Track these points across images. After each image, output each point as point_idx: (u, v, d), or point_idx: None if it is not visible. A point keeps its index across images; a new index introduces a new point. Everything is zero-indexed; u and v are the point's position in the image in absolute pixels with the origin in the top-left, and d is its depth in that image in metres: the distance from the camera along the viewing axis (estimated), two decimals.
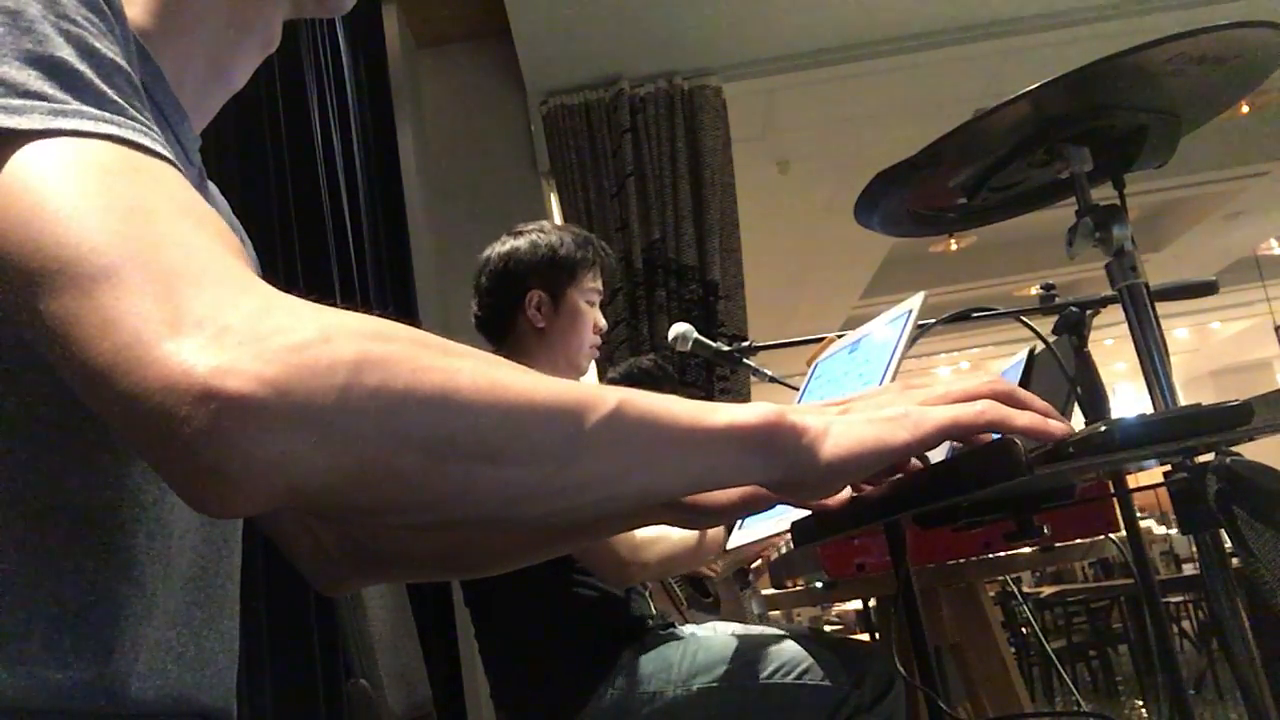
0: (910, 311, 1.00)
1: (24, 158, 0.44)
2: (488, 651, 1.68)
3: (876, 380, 0.96)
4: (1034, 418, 0.57)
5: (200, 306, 0.41)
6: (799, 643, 1.52)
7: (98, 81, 0.48)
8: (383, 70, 3.44)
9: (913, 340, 0.98)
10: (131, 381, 0.39)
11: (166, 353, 0.39)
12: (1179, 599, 6.39)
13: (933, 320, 1.27)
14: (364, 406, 0.41)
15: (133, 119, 0.48)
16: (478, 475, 0.44)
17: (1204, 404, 0.58)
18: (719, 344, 1.88)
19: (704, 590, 2.62)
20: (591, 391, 0.49)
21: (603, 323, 1.80)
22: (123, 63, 0.50)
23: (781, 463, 0.54)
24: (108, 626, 0.52)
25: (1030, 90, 0.82)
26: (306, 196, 2.75)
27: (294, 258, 2.65)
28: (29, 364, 0.50)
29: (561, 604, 1.61)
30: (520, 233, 1.79)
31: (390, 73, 3.47)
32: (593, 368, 2.12)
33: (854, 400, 0.60)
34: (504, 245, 1.78)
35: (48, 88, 0.46)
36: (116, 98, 0.48)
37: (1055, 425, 0.56)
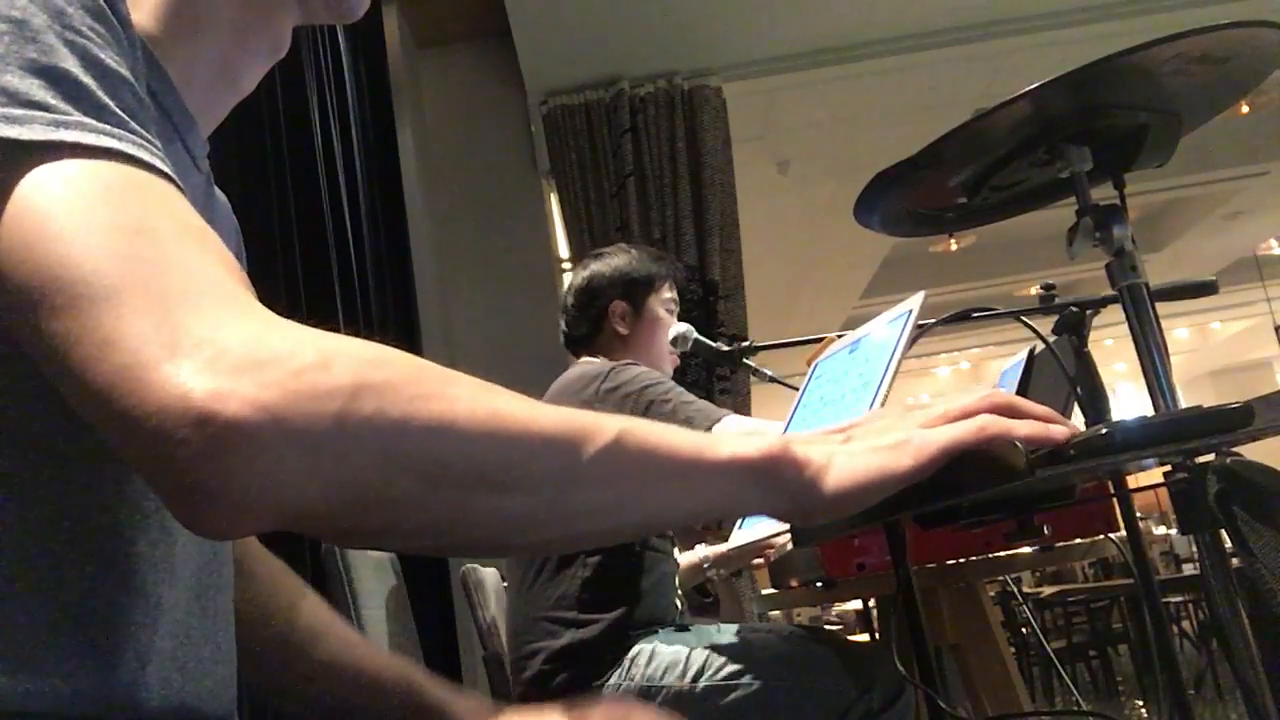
0: (910, 311, 1.00)
1: (28, 175, 0.44)
2: (516, 621, 1.71)
3: (876, 380, 0.96)
4: (1035, 426, 0.57)
5: (200, 329, 0.41)
6: (808, 645, 1.52)
7: (100, 93, 0.47)
8: (383, 70, 3.44)
9: (913, 340, 0.98)
10: (130, 403, 0.40)
11: (165, 375, 0.39)
12: (1179, 599, 6.39)
13: (933, 320, 1.27)
14: (359, 433, 0.41)
15: (134, 132, 0.48)
16: (473, 502, 0.45)
17: (1205, 405, 0.58)
18: (719, 344, 1.88)
19: (704, 590, 2.62)
20: (592, 421, 0.49)
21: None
22: (127, 74, 0.50)
23: (785, 495, 0.54)
24: (111, 634, 0.52)
25: (1030, 90, 0.82)
26: (306, 197, 2.75)
27: (294, 258, 2.65)
28: (30, 375, 0.50)
29: (604, 578, 1.63)
30: (599, 255, 1.96)
31: (390, 73, 3.47)
32: None
33: (855, 427, 0.60)
34: (585, 269, 1.94)
35: (50, 98, 0.46)
36: (119, 110, 0.48)
37: (1057, 430, 0.57)
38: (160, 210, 0.45)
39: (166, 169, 0.48)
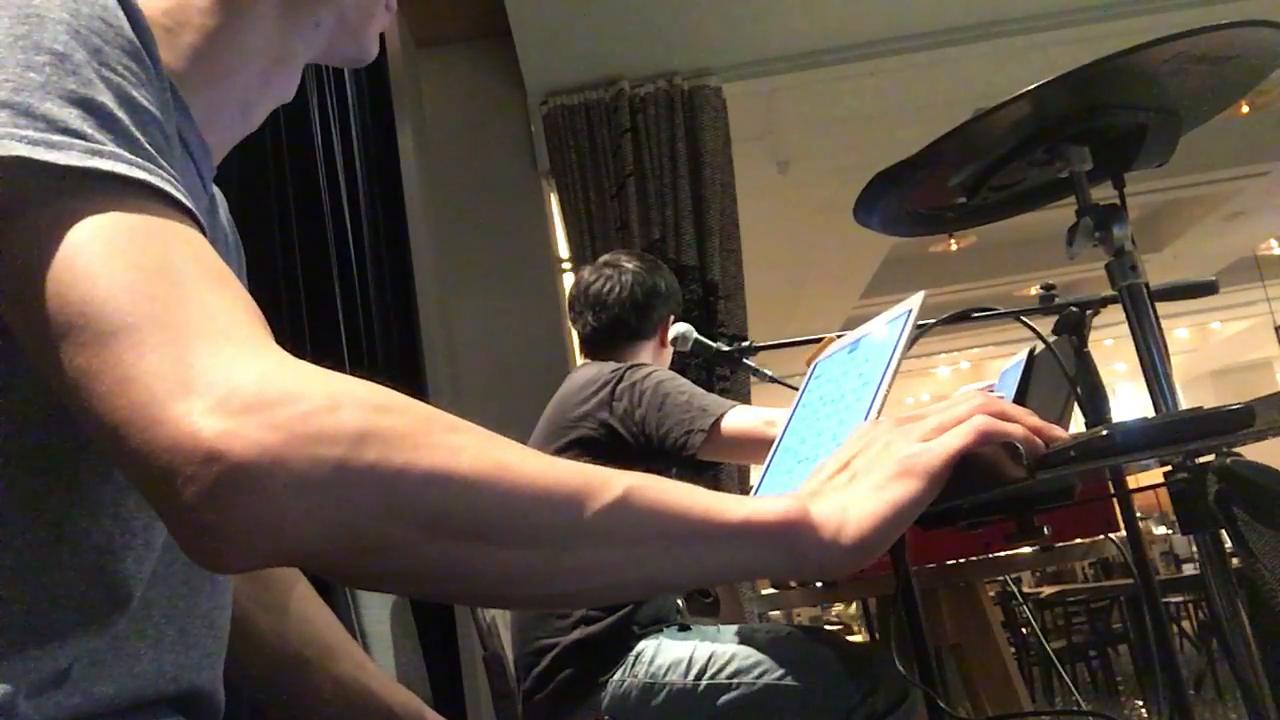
0: (910, 311, 1.00)
1: (60, 208, 0.45)
2: (524, 616, 1.72)
3: (876, 379, 0.96)
4: (1025, 433, 0.57)
5: (214, 368, 0.42)
6: (809, 646, 1.52)
7: (133, 129, 0.49)
8: (383, 70, 3.43)
9: (912, 340, 0.97)
10: (144, 439, 0.41)
11: (178, 414, 0.41)
12: (1179, 599, 6.39)
13: (933, 320, 1.26)
14: (360, 479, 0.42)
15: (162, 168, 0.49)
16: (472, 554, 0.45)
17: (1205, 407, 0.58)
18: (719, 344, 1.89)
19: (704, 590, 2.62)
20: (599, 477, 0.48)
21: None
22: (157, 113, 0.52)
23: (802, 560, 0.53)
24: (94, 646, 0.52)
25: (1030, 90, 0.82)
26: (306, 196, 2.74)
27: (294, 258, 2.65)
28: (33, 401, 0.51)
29: None
30: (655, 265, 2.00)
31: (390, 73, 3.46)
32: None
33: (854, 457, 0.58)
34: (637, 275, 1.94)
35: (87, 128, 0.47)
36: (148, 146, 0.50)
37: (1037, 442, 0.57)
38: (183, 252, 0.47)
39: (190, 205, 0.49)
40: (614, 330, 1.93)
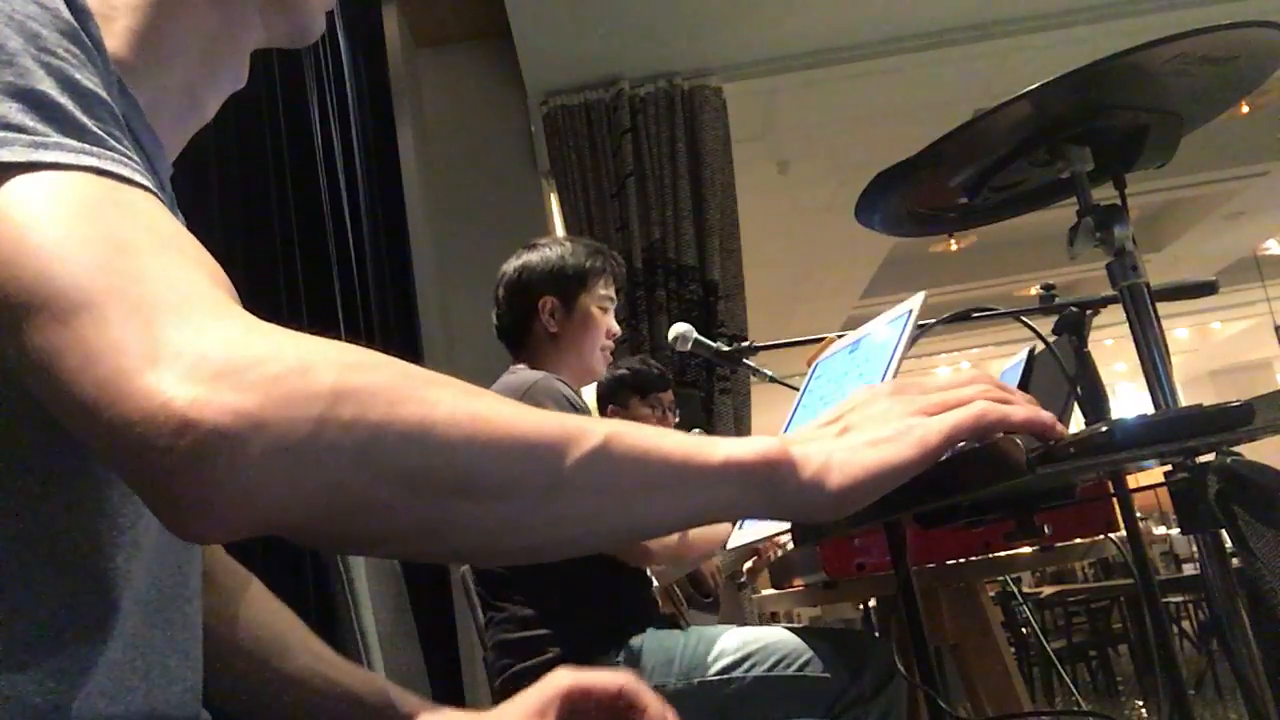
0: (910, 311, 1.00)
1: (6, 192, 0.44)
2: (498, 621, 1.70)
3: (877, 380, 0.96)
4: (1029, 410, 0.56)
5: (180, 337, 0.41)
6: (800, 638, 1.53)
7: (78, 114, 0.48)
8: (383, 70, 3.44)
9: (913, 340, 0.98)
10: (114, 414, 0.40)
11: (147, 385, 0.40)
12: (1179, 599, 6.39)
13: (933, 320, 1.27)
14: (338, 439, 0.41)
15: (113, 149, 0.48)
16: (455, 509, 0.44)
17: (1204, 405, 0.58)
18: (719, 344, 1.88)
19: (704, 590, 2.62)
20: (577, 425, 0.48)
21: (616, 328, 1.89)
22: (103, 94, 0.51)
23: (784, 498, 0.52)
24: (81, 647, 0.52)
25: (1030, 90, 0.82)
26: (307, 197, 2.75)
27: (294, 259, 2.65)
28: (8, 388, 0.50)
29: (578, 581, 1.61)
30: (533, 246, 1.89)
31: (390, 73, 3.47)
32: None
33: (849, 412, 0.58)
34: (518, 259, 1.88)
35: (29, 120, 0.46)
36: (97, 129, 0.48)
37: (1048, 414, 0.57)
38: (139, 222, 0.46)
39: (146, 182, 0.48)
40: (498, 323, 1.89)
